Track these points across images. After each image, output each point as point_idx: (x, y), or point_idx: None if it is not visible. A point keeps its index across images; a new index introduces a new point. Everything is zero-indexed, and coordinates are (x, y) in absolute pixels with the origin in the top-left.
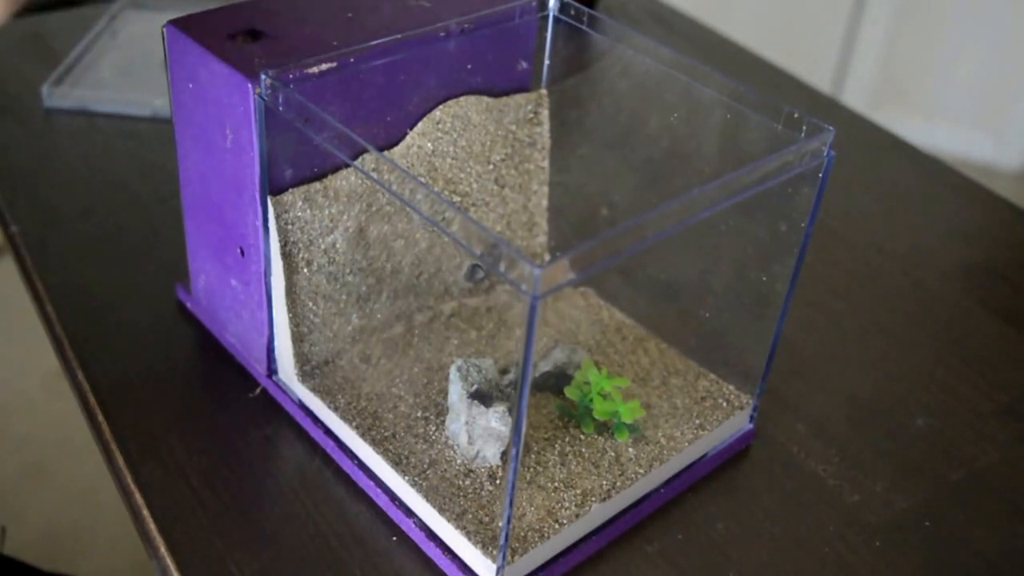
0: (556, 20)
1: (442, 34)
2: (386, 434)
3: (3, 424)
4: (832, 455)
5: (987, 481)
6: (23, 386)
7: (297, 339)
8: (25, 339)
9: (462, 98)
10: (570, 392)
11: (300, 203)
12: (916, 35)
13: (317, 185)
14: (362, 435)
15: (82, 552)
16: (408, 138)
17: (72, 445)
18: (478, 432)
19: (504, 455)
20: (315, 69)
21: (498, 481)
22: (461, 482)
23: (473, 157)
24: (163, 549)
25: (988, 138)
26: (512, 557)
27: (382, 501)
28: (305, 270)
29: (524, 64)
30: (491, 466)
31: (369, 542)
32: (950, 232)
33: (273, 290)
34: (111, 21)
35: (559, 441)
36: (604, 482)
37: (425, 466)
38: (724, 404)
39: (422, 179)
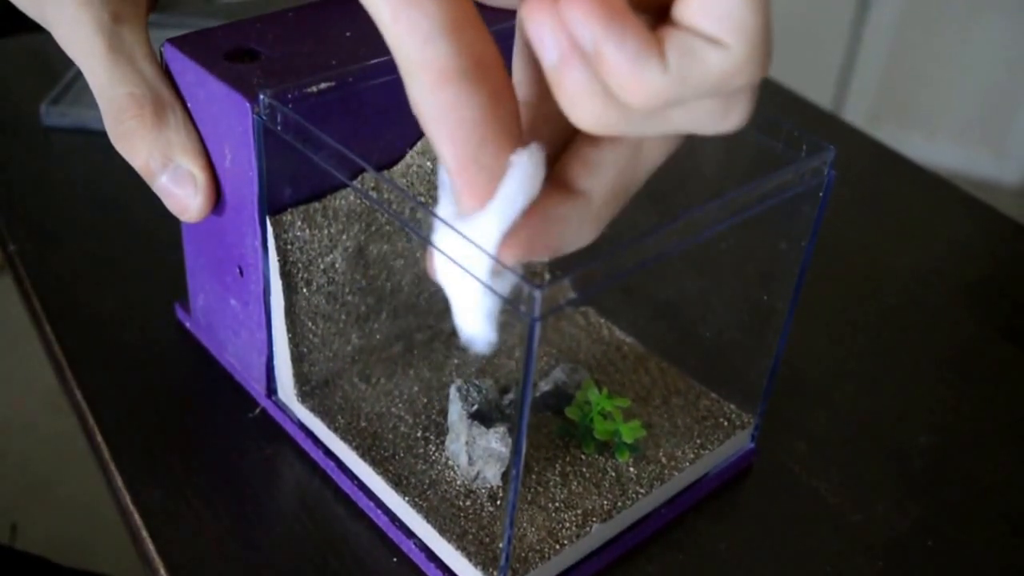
0: None
1: None
2: (386, 454)
3: (3, 442)
4: (834, 474)
5: (990, 500)
6: (23, 405)
7: (296, 359)
8: (25, 357)
9: None
10: (571, 412)
11: (299, 223)
12: (917, 51)
13: (316, 205)
14: (362, 455)
15: None
16: (407, 157)
17: (72, 464)
18: (478, 452)
19: (504, 475)
20: (314, 88)
21: (499, 502)
22: (461, 503)
23: None
24: (162, 570)
25: (989, 154)
26: None
27: (382, 522)
28: (304, 290)
29: None
30: (491, 486)
31: (369, 563)
32: (951, 249)
33: (272, 310)
34: None
35: (560, 461)
36: (605, 502)
37: (425, 487)
38: (725, 423)
39: (421, 198)
